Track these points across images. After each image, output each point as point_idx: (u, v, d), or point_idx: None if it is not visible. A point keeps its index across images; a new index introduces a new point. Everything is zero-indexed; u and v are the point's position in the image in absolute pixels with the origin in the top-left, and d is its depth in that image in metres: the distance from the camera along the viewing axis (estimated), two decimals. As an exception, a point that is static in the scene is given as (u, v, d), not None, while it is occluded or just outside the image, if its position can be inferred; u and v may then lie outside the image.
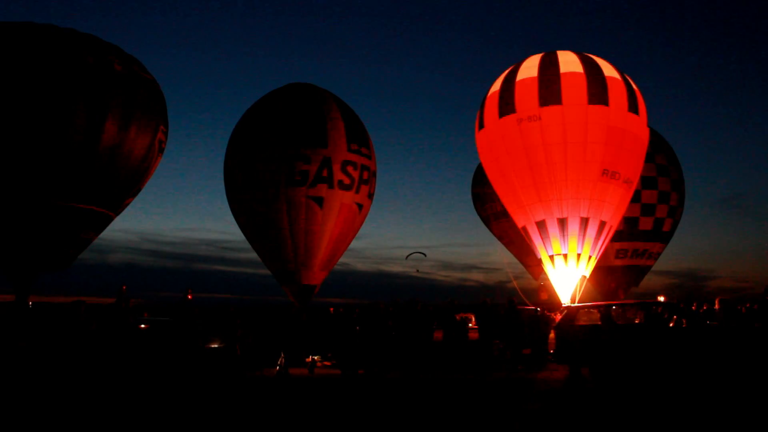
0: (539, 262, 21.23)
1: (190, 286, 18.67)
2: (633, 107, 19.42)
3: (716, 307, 15.84)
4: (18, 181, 16.45)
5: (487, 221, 30.41)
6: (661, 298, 24.44)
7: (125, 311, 16.90)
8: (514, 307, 17.52)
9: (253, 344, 16.49)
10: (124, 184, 18.21)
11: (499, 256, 32.52)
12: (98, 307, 17.92)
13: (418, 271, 36.00)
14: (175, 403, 10.66)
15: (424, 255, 32.87)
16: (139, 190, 19.32)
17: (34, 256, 17.59)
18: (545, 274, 21.50)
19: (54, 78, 16.41)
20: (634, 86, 19.93)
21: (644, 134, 20.19)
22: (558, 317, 17.63)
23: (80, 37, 17.65)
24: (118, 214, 19.10)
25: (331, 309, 18.68)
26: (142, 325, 20.55)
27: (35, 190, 16.63)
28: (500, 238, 29.61)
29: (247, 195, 20.89)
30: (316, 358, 16.66)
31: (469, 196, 31.65)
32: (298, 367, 16.02)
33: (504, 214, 26.81)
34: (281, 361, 15.21)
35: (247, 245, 22.46)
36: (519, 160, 19.45)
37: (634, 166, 19.87)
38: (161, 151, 19.32)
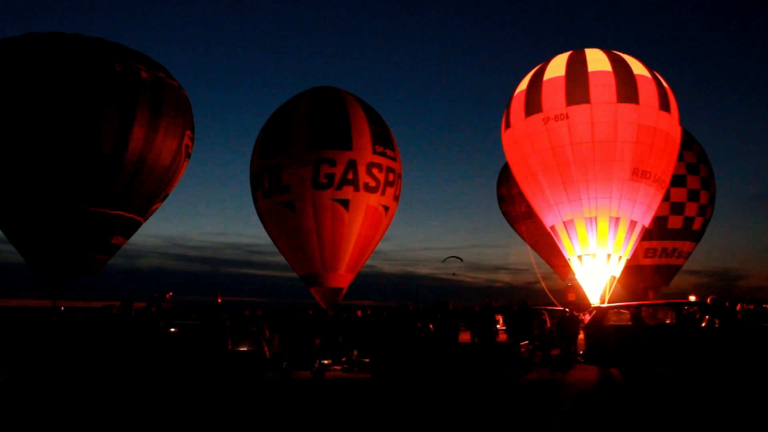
0: (567, 262, 21.04)
1: (219, 289, 18.80)
2: (664, 105, 19.13)
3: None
4: (49, 187, 16.69)
5: (513, 222, 30.23)
6: (692, 298, 24.09)
7: (155, 315, 17.03)
8: (526, 307, 17.32)
9: (281, 347, 16.51)
10: (152, 190, 18.39)
11: (527, 256, 32.40)
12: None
13: (455, 274, 36.36)
14: (203, 405, 10.73)
15: (461, 260, 32.83)
16: (167, 195, 19.50)
17: (66, 262, 17.84)
18: (573, 274, 21.31)
19: (83, 85, 16.65)
20: (664, 84, 19.64)
21: (676, 132, 19.85)
22: (587, 318, 17.46)
23: (108, 45, 17.88)
24: (146, 219, 19.29)
25: (359, 312, 18.65)
26: (172, 329, 20.68)
27: (66, 196, 16.86)
28: (527, 239, 29.41)
29: (273, 198, 21.01)
30: (325, 362, 16.61)
31: (496, 197, 31.54)
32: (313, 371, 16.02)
33: (529, 215, 26.65)
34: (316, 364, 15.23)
35: (274, 248, 22.58)
36: (546, 160, 19.27)
37: (665, 165, 19.56)
38: (188, 156, 19.49)
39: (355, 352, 17.12)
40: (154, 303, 16.16)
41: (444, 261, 33.29)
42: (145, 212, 18.94)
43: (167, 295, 18.02)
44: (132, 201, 18.02)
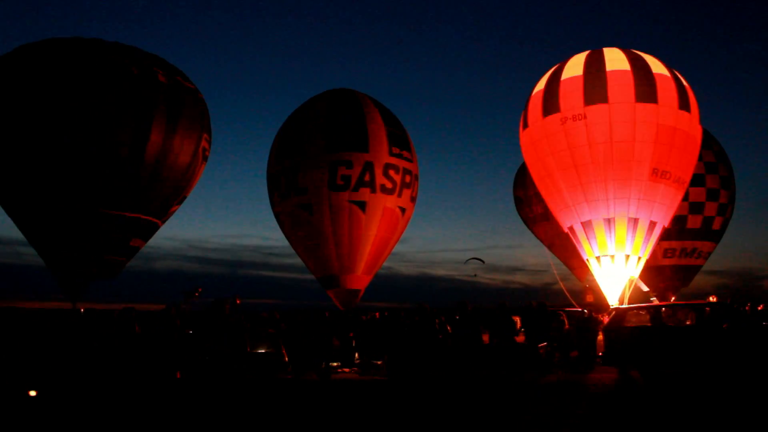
0: (584, 263, 20.90)
1: (237, 291, 18.89)
2: (684, 104, 18.93)
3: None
4: (67, 191, 16.85)
5: (529, 223, 30.07)
6: (713, 299, 23.81)
7: (173, 316, 17.13)
8: (544, 308, 17.18)
9: (299, 349, 16.52)
10: (170, 192, 18.51)
11: (544, 258, 32.17)
12: (147, 314, 18.20)
13: (475, 275, 36.20)
14: (222, 406, 10.77)
15: (482, 261, 32.78)
16: (185, 197, 19.62)
17: (85, 265, 18.00)
18: (591, 276, 21.17)
19: (101, 89, 16.79)
20: (684, 83, 19.43)
21: (696, 132, 19.62)
22: (606, 319, 17.35)
23: (125, 49, 18.03)
24: (164, 221, 19.42)
25: (377, 314, 18.65)
26: (190, 331, 20.77)
27: (84, 199, 17.01)
28: (543, 241, 29.24)
29: (290, 200, 21.06)
30: (334, 364, 16.58)
31: (513, 199, 31.35)
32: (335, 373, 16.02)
33: (546, 216, 26.54)
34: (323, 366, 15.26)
35: (291, 251, 22.63)
36: (564, 160, 19.15)
37: (685, 165, 19.36)
38: (205, 158, 19.59)
39: (370, 355, 17.11)
40: (180, 302, 16.32)
41: (466, 262, 33.13)
42: (163, 215, 19.07)
43: (196, 293, 18.12)
44: (150, 204, 18.16)
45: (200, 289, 18.22)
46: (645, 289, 21.28)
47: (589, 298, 27.37)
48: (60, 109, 16.41)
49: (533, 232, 29.93)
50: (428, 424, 9.17)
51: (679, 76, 19.39)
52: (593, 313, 19.62)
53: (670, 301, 24.62)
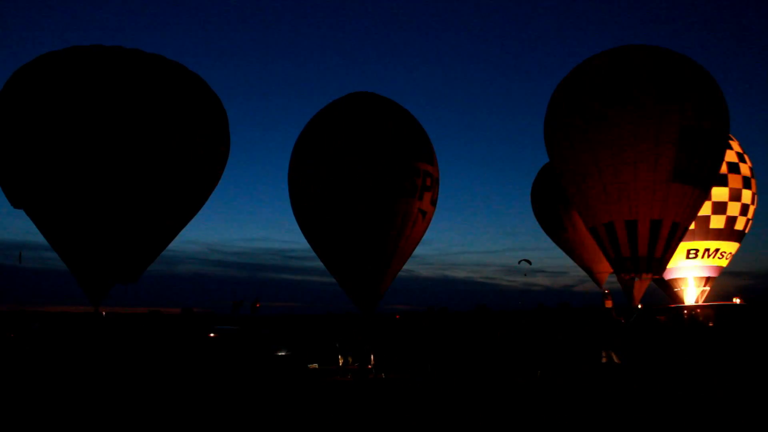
0: (605, 268, 20.76)
1: (257, 294, 19.00)
2: (710, 104, 18.66)
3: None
4: (89, 196, 17.04)
5: (548, 228, 29.80)
6: (737, 301, 23.55)
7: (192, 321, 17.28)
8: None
9: (325, 352, 16.57)
10: (187, 198, 18.71)
11: (564, 260, 32.05)
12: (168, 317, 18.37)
13: (525, 275, 37.19)
14: (245, 408, 10.82)
15: (530, 263, 32.73)
16: (203, 203, 19.79)
17: (108, 269, 18.19)
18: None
19: (120, 97, 16.97)
20: (710, 82, 19.11)
21: (723, 132, 19.41)
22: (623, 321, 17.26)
23: (145, 56, 18.20)
24: (184, 225, 19.62)
25: (397, 316, 18.67)
26: (211, 334, 20.96)
27: (106, 204, 17.19)
28: (563, 245, 29.00)
29: (318, 205, 21.00)
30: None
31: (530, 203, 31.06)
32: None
33: (564, 221, 26.54)
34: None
35: (312, 253, 22.61)
36: (586, 160, 18.95)
37: (710, 167, 19.08)
38: (224, 164, 19.78)
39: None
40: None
41: (519, 263, 33.33)
42: (184, 220, 19.29)
43: (257, 304, 18.18)
44: (170, 208, 18.34)
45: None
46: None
47: (609, 304, 27.40)
48: (83, 115, 16.59)
49: (552, 235, 29.64)
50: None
51: (705, 75, 19.02)
52: (614, 315, 19.51)
53: (694, 302, 24.45)
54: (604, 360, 16.85)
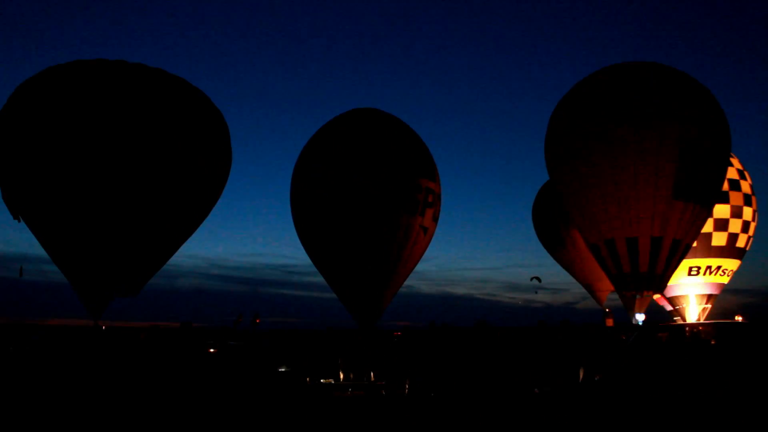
0: (605, 286, 20.70)
1: (257, 310, 18.96)
2: (711, 122, 18.72)
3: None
4: (91, 211, 17.05)
5: (549, 245, 29.71)
6: (739, 318, 23.48)
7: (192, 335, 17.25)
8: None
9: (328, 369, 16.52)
10: (188, 213, 18.71)
11: (565, 276, 31.97)
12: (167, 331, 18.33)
13: (536, 292, 37.55)
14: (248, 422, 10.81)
15: (539, 280, 32.65)
16: (206, 217, 19.79)
17: (108, 283, 18.16)
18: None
19: (123, 112, 17.03)
20: (712, 100, 19.20)
21: (723, 150, 19.42)
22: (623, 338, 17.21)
23: (149, 71, 18.27)
24: (186, 239, 19.59)
25: (397, 333, 18.63)
26: (212, 350, 20.89)
27: (107, 219, 17.20)
28: (564, 262, 28.92)
29: (320, 221, 21.00)
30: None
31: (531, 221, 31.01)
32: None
33: (565, 238, 26.54)
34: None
35: (313, 269, 22.58)
36: (588, 177, 18.92)
37: (711, 183, 19.12)
38: (226, 178, 19.80)
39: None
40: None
41: (531, 280, 33.24)
42: (185, 235, 19.26)
43: (257, 320, 18.13)
44: (171, 222, 18.33)
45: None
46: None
47: (609, 323, 27.36)
48: (85, 130, 16.63)
49: (553, 252, 29.56)
50: None
51: (707, 92, 19.05)
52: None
53: (696, 320, 24.38)
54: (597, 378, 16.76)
